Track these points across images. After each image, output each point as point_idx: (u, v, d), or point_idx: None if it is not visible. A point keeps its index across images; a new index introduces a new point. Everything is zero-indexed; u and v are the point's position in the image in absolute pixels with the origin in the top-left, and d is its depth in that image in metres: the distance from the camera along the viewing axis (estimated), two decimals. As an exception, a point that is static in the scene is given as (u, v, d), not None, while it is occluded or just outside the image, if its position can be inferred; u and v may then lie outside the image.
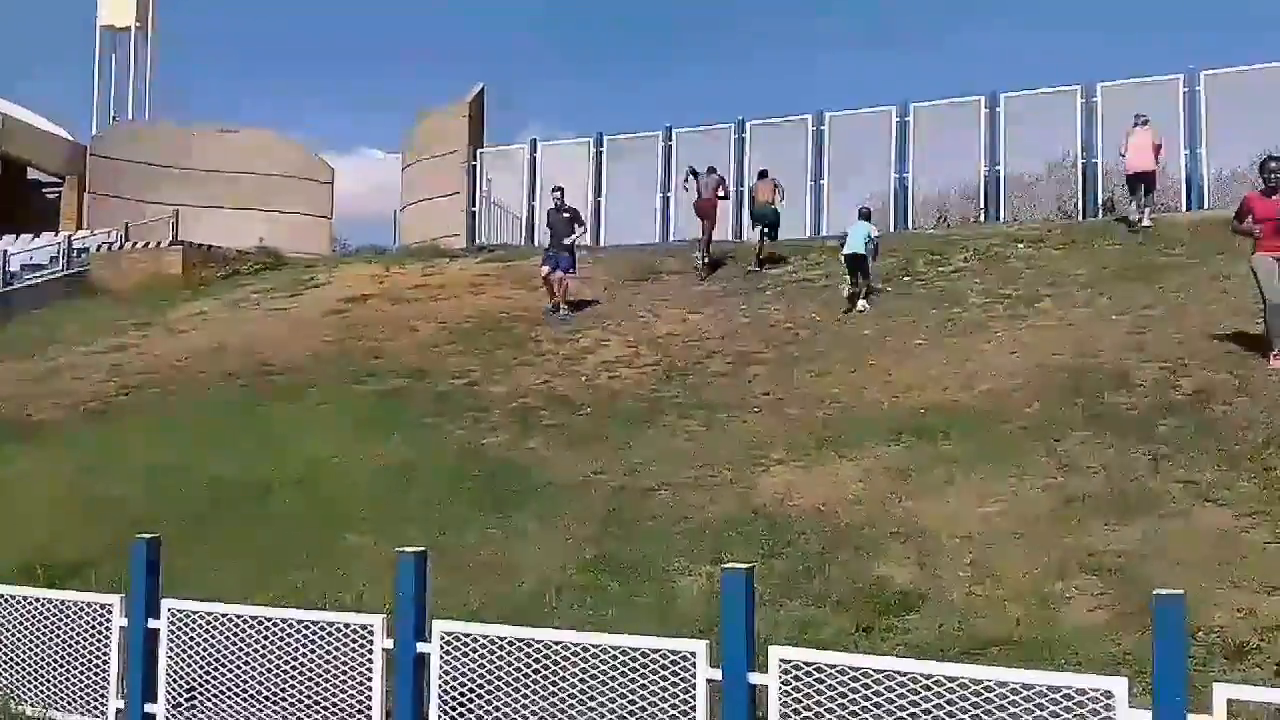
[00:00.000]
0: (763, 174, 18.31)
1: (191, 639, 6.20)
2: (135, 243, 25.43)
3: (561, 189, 17.09)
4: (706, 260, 17.46)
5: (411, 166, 27.89)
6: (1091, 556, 7.45)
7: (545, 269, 15.97)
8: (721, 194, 18.09)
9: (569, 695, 5.34)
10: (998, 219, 19.54)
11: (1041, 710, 4.48)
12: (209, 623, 6.18)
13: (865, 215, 15.33)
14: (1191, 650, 5.14)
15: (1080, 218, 18.84)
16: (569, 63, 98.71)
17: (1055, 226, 16.60)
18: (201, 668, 6.19)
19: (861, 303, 13.97)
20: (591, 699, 5.28)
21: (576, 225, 16.42)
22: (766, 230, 17.53)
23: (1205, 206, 18.27)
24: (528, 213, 24.53)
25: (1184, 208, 18.42)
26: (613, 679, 5.26)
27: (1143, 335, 11.23)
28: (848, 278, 14.19)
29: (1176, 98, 19.30)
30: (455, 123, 26.02)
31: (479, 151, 25.66)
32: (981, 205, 20.40)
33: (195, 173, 31.31)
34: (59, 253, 24.68)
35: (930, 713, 4.63)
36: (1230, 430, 8.84)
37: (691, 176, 18.43)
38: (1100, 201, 19.51)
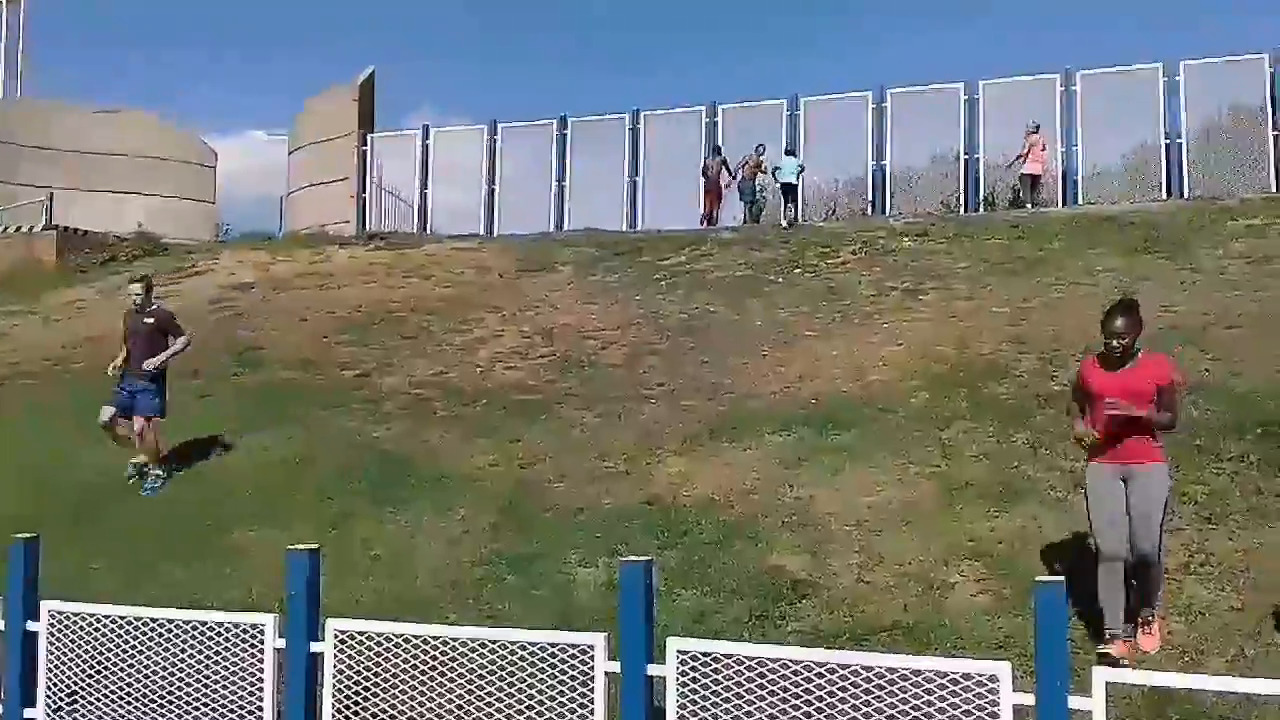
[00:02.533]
0: (760, 148, 20.69)
1: (73, 641, 6.01)
2: (5, 227, 24.31)
3: (147, 279, 11.08)
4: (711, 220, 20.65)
5: (299, 150, 27.25)
6: (974, 543, 7.71)
7: (108, 410, 10.35)
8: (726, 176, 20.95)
9: (467, 691, 5.32)
10: (884, 213, 19.98)
11: (930, 694, 4.63)
12: (91, 624, 6.00)
13: (791, 152, 20.12)
14: (1070, 634, 5.36)
15: (962, 211, 19.40)
16: (462, 46, 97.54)
17: (938, 220, 17.05)
18: (83, 671, 6.00)
19: (795, 219, 18.55)
20: (490, 694, 5.28)
21: (172, 338, 10.60)
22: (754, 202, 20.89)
23: (1080, 202, 18.99)
24: (420, 200, 24.22)
25: (1060, 203, 19.10)
26: (511, 673, 5.27)
27: (1021, 327, 11.62)
28: (790, 204, 19.46)
29: (1054, 95, 19.99)
30: (345, 106, 25.49)
31: (369, 136, 25.20)
32: (869, 199, 20.84)
33: (70, 154, 30.01)
34: (-78, 237, 23.42)
35: (824, 699, 4.75)
36: (1104, 419, 9.21)
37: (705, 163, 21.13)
38: (982, 196, 20.11)
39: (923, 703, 4.63)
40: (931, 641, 6.54)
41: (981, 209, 19.48)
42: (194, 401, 12.72)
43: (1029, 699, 4.54)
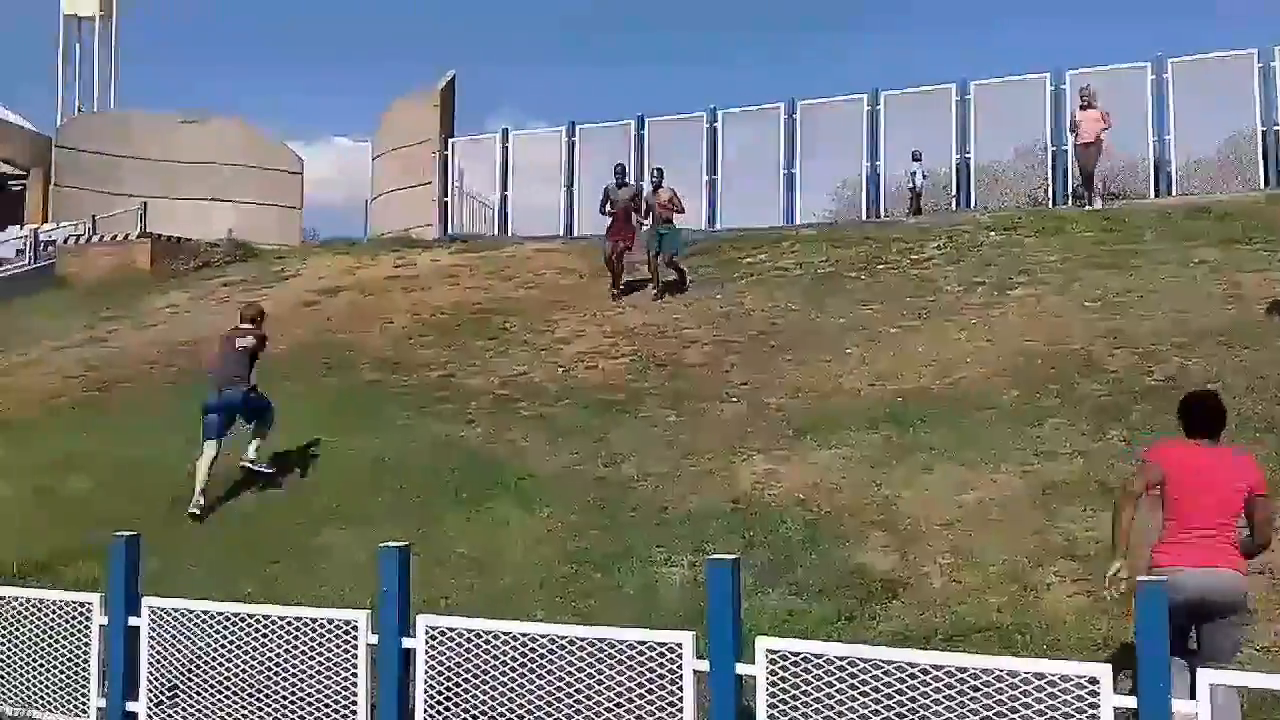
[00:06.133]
0: (657, 173, 15.95)
1: (172, 636, 6.16)
2: (103, 235, 25.12)
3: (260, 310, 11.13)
4: (619, 287, 15.23)
5: (382, 156, 27.70)
6: (1069, 543, 7.53)
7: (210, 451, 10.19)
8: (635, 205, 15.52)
9: (555, 688, 5.33)
10: (969, 206, 19.64)
11: (1026, 697, 4.52)
12: (190, 620, 6.14)
13: (918, 157, 19.78)
14: (1172, 635, 5.18)
15: (1050, 204, 18.97)
16: (540, 50, 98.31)
17: (1026, 213, 16.70)
18: (182, 665, 6.14)
19: (916, 219, 18.12)
20: (578, 692, 5.28)
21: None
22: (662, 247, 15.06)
23: (1174, 193, 18.46)
24: (500, 203, 24.43)
25: (1153, 194, 18.58)
26: (599, 671, 5.26)
27: (1115, 322, 11.33)
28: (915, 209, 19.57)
29: (1145, 84, 19.45)
30: (426, 111, 25.83)
31: (450, 140, 25.49)
32: (953, 193, 20.50)
33: (163, 163, 30.93)
34: (26, 246, 24.33)
35: (916, 700, 4.67)
36: (1203, 415, 8.93)
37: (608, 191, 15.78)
38: (1070, 189, 19.62)
39: (1020, 705, 4.52)
40: (1026, 643, 6.41)
41: (1070, 202, 19.01)
42: (284, 403, 12.97)
43: (1130, 702, 4.42)
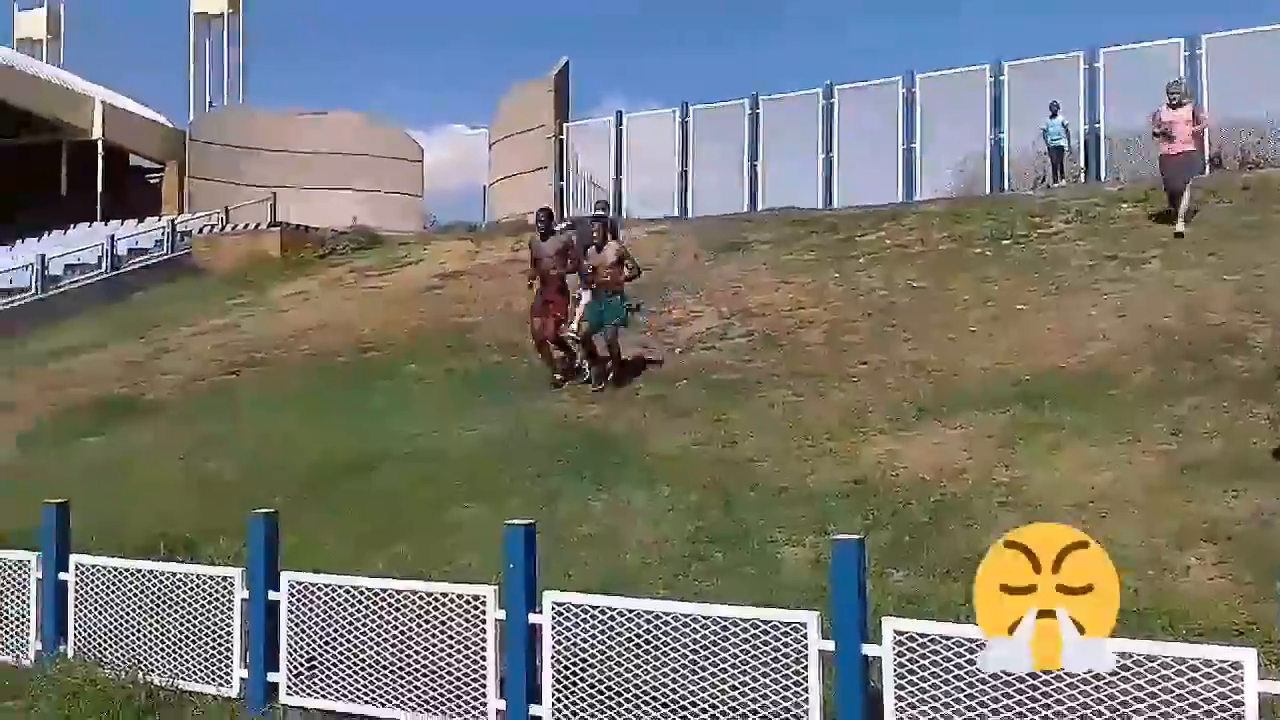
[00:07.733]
0: (601, 204, 13.52)
1: (310, 610, 6.37)
2: (235, 225, 26.06)
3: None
4: (559, 373, 12.18)
5: (499, 142, 28.08)
6: (1209, 524, 7.26)
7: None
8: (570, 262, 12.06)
9: (681, 665, 5.36)
10: (1099, 179, 18.97)
11: (1166, 681, 4.39)
12: (327, 594, 6.34)
13: (1055, 111, 18.56)
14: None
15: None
16: (652, 32, 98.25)
17: (1159, 185, 16.04)
18: (320, 637, 6.35)
19: (1058, 183, 17.92)
20: (702, 669, 5.30)
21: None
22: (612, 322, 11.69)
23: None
24: (614, 185, 24.54)
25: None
26: (723, 650, 5.27)
27: (1256, 295, 10.84)
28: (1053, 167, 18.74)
29: (1287, 46, 18.49)
30: (541, 97, 26.10)
31: (565, 125, 25.70)
32: (1082, 165, 19.82)
33: (290, 155, 31.92)
34: (163, 236, 25.41)
35: (1049, 685, 4.56)
36: (1354, 392, 8.52)
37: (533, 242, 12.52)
38: (1208, 157, 18.79)
39: (1159, 690, 4.39)
40: (1165, 627, 6.18)
41: (1207, 171, 18.21)
42: (410, 385, 13.30)
43: (1277, 686, 4.25)
